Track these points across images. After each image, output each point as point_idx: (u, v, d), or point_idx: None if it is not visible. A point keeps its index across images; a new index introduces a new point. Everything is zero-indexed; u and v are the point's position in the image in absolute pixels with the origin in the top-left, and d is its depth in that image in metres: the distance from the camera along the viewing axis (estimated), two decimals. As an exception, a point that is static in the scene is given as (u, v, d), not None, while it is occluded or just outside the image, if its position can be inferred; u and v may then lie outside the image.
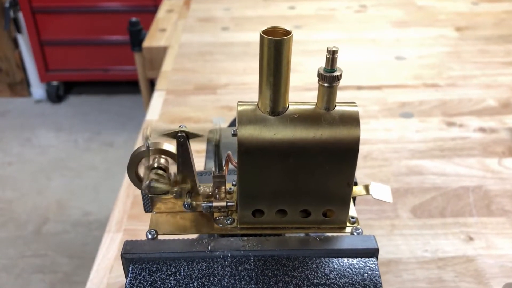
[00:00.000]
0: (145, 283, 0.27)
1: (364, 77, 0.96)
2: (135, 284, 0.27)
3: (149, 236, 0.30)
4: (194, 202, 0.30)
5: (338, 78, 0.26)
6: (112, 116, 2.40)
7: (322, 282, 0.27)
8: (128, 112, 2.44)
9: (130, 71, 2.42)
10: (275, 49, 0.25)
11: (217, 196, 0.30)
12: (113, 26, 2.32)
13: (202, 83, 0.95)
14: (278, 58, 0.25)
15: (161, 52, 1.10)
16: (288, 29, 0.26)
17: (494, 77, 0.95)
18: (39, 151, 2.19)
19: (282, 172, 0.28)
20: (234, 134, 0.28)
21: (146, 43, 1.12)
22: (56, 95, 2.40)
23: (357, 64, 1.01)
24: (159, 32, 1.17)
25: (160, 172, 0.30)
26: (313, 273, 0.27)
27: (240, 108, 0.27)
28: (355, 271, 0.27)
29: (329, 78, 0.26)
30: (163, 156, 0.31)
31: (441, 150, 0.75)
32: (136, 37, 1.23)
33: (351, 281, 0.27)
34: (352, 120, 0.27)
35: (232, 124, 0.53)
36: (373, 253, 0.28)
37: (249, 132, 0.27)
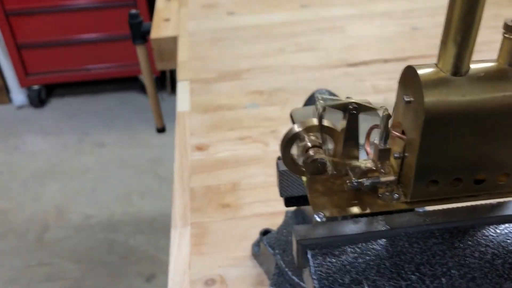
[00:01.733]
0: (333, 268, 0.26)
1: (386, 50, 0.95)
2: (323, 271, 0.25)
3: (318, 219, 0.28)
4: (360, 179, 0.28)
5: (526, 29, 0.25)
6: (99, 116, 2.33)
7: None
8: (115, 110, 2.38)
9: (112, 68, 2.36)
10: (469, 3, 0.24)
11: (382, 170, 0.29)
12: (90, 24, 2.25)
13: (224, 70, 0.92)
14: (473, 13, 0.24)
15: (171, 42, 1.07)
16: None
17: (513, 40, 0.95)
18: (29, 158, 2.11)
19: (466, 138, 0.26)
20: (408, 101, 0.26)
21: (153, 34, 1.08)
22: (38, 100, 2.31)
23: (375, 37, 1.00)
24: (163, 22, 1.14)
25: (320, 150, 0.28)
26: (507, 239, 0.26)
27: (420, 71, 0.26)
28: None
29: (518, 30, 0.25)
30: (312, 134, 0.29)
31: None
32: (137, 29, 1.19)
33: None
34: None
35: (307, 103, 0.51)
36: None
37: (436, 96, 0.25)
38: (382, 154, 0.28)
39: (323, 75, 0.87)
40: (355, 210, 0.28)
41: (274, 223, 0.58)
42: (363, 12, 1.11)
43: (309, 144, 0.28)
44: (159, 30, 1.10)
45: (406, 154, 0.28)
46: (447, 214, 0.28)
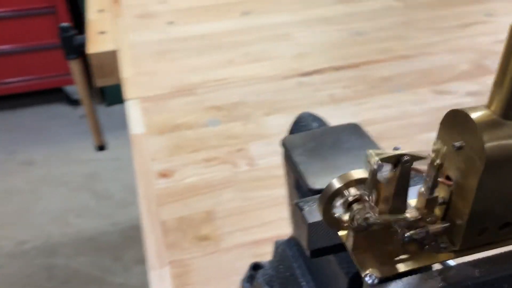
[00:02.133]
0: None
1: (335, 57, 0.94)
2: None
3: (369, 282, 0.25)
4: (411, 232, 0.26)
5: None
6: (24, 132, 2.18)
7: None
8: (42, 124, 2.23)
9: (33, 80, 2.21)
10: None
11: (428, 219, 0.27)
12: (5, 35, 2.09)
13: (175, 84, 0.87)
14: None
15: (111, 57, 1.00)
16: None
17: (455, 41, 0.98)
18: None
19: (521, 181, 0.25)
20: (459, 148, 0.24)
21: (91, 49, 1.01)
22: (-48, 119, 2.12)
23: (321, 44, 0.99)
24: (99, 36, 1.06)
25: (363, 204, 0.25)
26: None
27: (473, 116, 0.24)
28: None
29: None
30: (352, 187, 0.26)
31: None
32: (70, 44, 1.11)
33: None
34: None
35: (295, 128, 0.49)
36: None
37: (495, 140, 0.23)
38: (430, 203, 0.26)
39: (279, 86, 0.85)
40: (405, 266, 0.26)
41: (259, 253, 0.55)
42: (304, 18, 1.10)
43: (350, 199, 0.26)
44: (96, 44, 1.03)
45: (452, 200, 0.26)
46: (498, 261, 0.26)
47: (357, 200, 0.26)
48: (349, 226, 0.26)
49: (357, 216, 0.25)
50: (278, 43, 0.99)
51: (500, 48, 0.79)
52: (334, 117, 0.77)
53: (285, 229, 0.58)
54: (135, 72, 0.91)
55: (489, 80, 0.84)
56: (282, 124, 0.76)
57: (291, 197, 0.47)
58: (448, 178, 0.26)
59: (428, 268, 0.27)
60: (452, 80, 0.86)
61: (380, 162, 0.24)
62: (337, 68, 0.91)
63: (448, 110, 0.79)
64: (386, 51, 0.96)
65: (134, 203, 1.87)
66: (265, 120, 0.77)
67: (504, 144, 0.24)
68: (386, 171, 0.24)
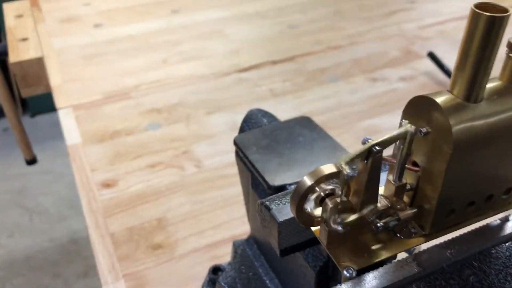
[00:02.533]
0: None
1: (271, 51, 0.94)
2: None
3: (348, 275, 0.25)
4: (382, 221, 0.26)
5: (533, 48, 0.25)
6: None
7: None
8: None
9: None
10: (490, 27, 0.22)
11: (398, 207, 0.27)
12: None
13: (108, 89, 0.84)
14: (495, 38, 0.23)
15: (35, 65, 0.94)
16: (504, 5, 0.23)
17: (382, 29, 1.01)
18: None
19: (486, 161, 0.25)
20: (426, 133, 0.25)
21: (12, 58, 0.94)
22: None
23: (256, 39, 0.99)
24: (20, 43, 1.00)
25: (337, 199, 0.25)
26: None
27: (438, 99, 0.24)
28: None
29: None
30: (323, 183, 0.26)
31: (381, 105, 0.78)
32: (-12, 52, 1.04)
33: None
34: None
35: (245, 126, 0.48)
36: None
37: (461, 123, 0.24)
38: (399, 190, 0.26)
39: (218, 84, 0.84)
40: (379, 255, 0.26)
41: (216, 256, 0.54)
42: (237, 14, 1.09)
43: (322, 194, 0.25)
44: (18, 52, 0.96)
45: (420, 186, 0.26)
46: (467, 240, 0.27)
47: (329, 195, 0.26)
48: (322, 221, 0.26)
49: (331, 211, 0.25)
50: (212, 40, 0.98)
51: (426, 33, 0.83)
52: (276, 112, 0.77)
53: (239, 229, 0.57)
54: (64, 80, 0.86)
55: (418, 65, 0.88)
56: (225, 122, 0.75)
57: (247, 196, 0.47)
58: (414, 164, 0.26)
59: (394, 256, 0.27)
60: (384, 67, 0.89)
61: (351, 167, 0.23)
62: (274, 62, 0.91)
63: (383, 96, 0.80)
64: (319, 42, 0.97)
65: (70, 216, 1.79)
66: (207, 120, 0.75)
67: (470, 126, 0.24)
68: (357, 168, 0.24)
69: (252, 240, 0.47)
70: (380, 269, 0.26)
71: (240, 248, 0.48)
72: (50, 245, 1.70)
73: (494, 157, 0.26)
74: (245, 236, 0.56)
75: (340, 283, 0.32)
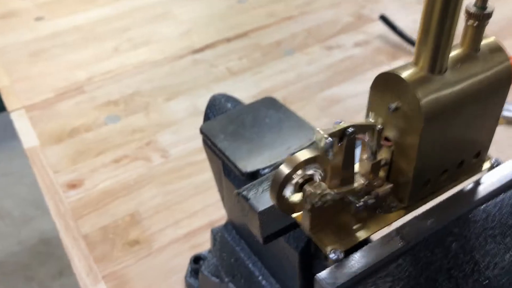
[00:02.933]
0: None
1: (223, 28, 0.93)
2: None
3: (335, 257, 0.25)
4: (361, 199, 0.26)
5: (489, 16, 0.25)
6: None
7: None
8: None
9: None
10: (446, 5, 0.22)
11: (375, 184, 0.27)
12: None
13: (60, 86, 0.81)
14: (454, 7, 0.22)
15: (-23, 66, 0.90)
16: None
17: (332, -5, 1.01)
18: None
19: (455, 129, 0.26)
20: (396, 109, 0.25)
21: (-49, 62, 0.89)
22: None
23: (206, 17, 0.97)
24: (-42, 44, 0.95)
25: (315, 183, 0.25)
26: (503, 213, 0.27)
27: (403, 74, 0.24)
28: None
29: (481, 16, 0.25)
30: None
31: (340, 74, 0.79)
32: None
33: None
34: (499, 50, 0.26)
35: (209, 113, 0.47)
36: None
37: (429, 95, 0.24)
38: (375, 168, 0.26)
39: (173, 68, 0.82)
40: (362, 234, 0.26)
41: (195, 244, 0.54)
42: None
43: (300, 181, 0.25)
44: (-43, 55, 0.91)
45: (394, 160, 0.27)
46: (444, 208, 0.28)
47: (308, 180, 0.26)
48: (303, 207, 0.26)
49: (312, 196, 0.24)
50: (161, 23, 0.95)
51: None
52: (237, 91, 0.76)
53: (215, 215, 0.57)
54: (12, 80, 0.83)
55: (371, 29, 0.88)
56: (186, 107, 0.74)
57: (220, 183, 0.46)
58: (386, 139, 0.26)
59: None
60: (338, 34, 0.89)
61: (329, 139, 0.23)
62: (228, 40, 0.89)
63: (340, 63, 0.80)
64: (270, 15, 0.96)
65: (36, 217, 1.74)
66: (167, 107, 0.74)
67: (438, 97, 0.24)
68: (332, 147, 0.24)
69: (230, 226, 0.47)
70: (366, 247, 0.26)
71: (219, 235, 0.47)
72: (19, 248, 1.66)
73: (463, 123, 0.26)
74: (222, 222, 0.56)
75: (323, 261, 0.32)
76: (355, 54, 0.83)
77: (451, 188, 0.29)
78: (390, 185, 0.27)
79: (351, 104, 0.72)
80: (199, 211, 0.57)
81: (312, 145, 0.37)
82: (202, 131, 0.43)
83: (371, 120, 0.26)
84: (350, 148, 0.24)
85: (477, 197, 0.28)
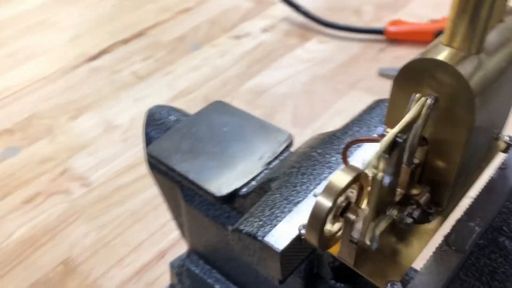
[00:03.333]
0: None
1: (117, 29, 0.84)
2: None
3: (394, 290, 0.21)
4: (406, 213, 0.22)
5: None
6: None
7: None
8: None
9: None
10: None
11: (414, 192, 0.23)
12: None
13: None
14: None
15: None
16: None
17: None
18: None
19: (493, 110, 0.22)
20: (436, 100, 0.20)
21: None
22: None
23: (93, 20, 0.87)
24: None
25: (357, 209, 0.20)
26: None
27: (441, 58, 0.20)
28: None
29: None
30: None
31: (256, 62, 0.74)
32: None
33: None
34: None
35: (150, 135, 0.39)
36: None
37: (477, 75, 0.20)
38: (413, 174, 0.22)
39: (69, 81, 0.72)
40: (413, 253, 0.22)
41: (150, 281, 0.47)
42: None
43: (340, 209, 0.20)
44: None
45: (429, 161, 0.23)
46: (482, 203, 0.24)
47: (347, 206, 0.21)
48: (345, 239, 0.21)
49: (362, 225, 0.20)
50: (41, 33, 0.83)
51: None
52: (150, 96, 0.69)
53: (163, 243, 0.50)
54: None
55: (274, 12, 0.85)
56: (96, 124, 0.65)
57: (176, 210, 0.40)
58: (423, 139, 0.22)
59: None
60: (242, 21, 0.84)
61: (386, 156, 0.18)
62: (124, 41, 0.81)
63: (254, 52, 0.74)
64: (164, 9, 0.88)
65: None
66: (75, 126, 0.64)
67: (484, 75, 0.21)
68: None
69: (195, 256, 0.41)
70: (422, 270, 0.22)
71: (184, 269, 0.41)
72: None
73: (499, 102, 0.23)
74: (175, 250, 0.49)
75: (329, 277, 0.28)
76: (265, 40, 0.79)
77: (478, 176, 0.26)
78: (428, 193, 0.23)
79: (278, 92, 0.68)
80: (143, 242, 0.50)
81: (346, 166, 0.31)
82: (150, 155, 0.36)
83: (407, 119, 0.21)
84: (399, 160, 0.20)
85: (509, 183, 0.25)
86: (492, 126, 0.24)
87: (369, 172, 0.19)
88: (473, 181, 0.26)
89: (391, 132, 0.19)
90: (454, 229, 0.23)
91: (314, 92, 0.68)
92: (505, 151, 0.27)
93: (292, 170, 0.29)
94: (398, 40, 0.77)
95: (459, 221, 0.24)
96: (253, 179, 0.32)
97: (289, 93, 0.68)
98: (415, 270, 0.22)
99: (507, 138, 0.28)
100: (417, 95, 0.21)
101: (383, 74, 0.70)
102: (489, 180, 0.26)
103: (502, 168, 0.26)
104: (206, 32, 0.82)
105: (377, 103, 0.33)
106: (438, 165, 0.23)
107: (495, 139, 0.26)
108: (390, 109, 0.23)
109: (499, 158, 0.27)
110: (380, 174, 0.19)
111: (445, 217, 0.24)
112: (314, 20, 0.81)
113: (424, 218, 0.24)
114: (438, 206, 0.24)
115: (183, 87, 0.70)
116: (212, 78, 0.71)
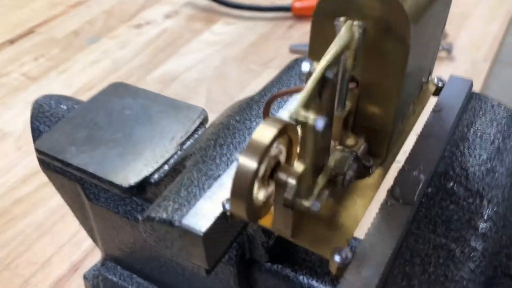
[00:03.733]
0: None
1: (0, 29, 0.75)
2: None
3: (342, 259, 0.17)
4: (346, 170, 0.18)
5: None
6: None
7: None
8: None
9: None
10: None
11: (347, 144, 0.19)
12: None
13: None
14: None
15: None
16: None
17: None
18: None
19: (425, 43, 0.20)
20: (364, 30, 0.17)
21: None
22: None
23: None
24: None
25: (286, 167, 0.16)
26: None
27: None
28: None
29: None
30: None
31: (161, 51, 0.69)
32: None
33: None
34: None
35: (38, 129, 0.33)
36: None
37: (410, 1, 0.17)
38: (346, 121, 0.19)
39: None
40: (357, 213, 0.19)
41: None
42: None
43: (269, 169, 0.16)
44: None
45: (361, 106, 0.19)
46: (421, 150, 0.22)
47: (276, 166, 0.17)
48: (276, 205, 0.17)
49: (296, 186, 0.16)
50: None
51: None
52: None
53: (75, 255, 0.44)
54: None
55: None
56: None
57: (82, 213, 0.34)
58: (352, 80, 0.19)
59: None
60: (142, 10, 0.79)
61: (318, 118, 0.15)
62: (11, 41, 0.72)
63: (158, 40, 0.69)
64: (54, 4, 0.81)
65: None
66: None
67: (417, 4, 0.18)
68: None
69: (110, 263, 0.36)
70: (371, 230, 0.19)
71: (100, 280, 0.36)
72: None
73: (431, 34, 0.20)
74: (88, 261, 0.43)
75: (264, 260, 0.24)
76: (169, 27, 0.74)
77: (414, 123, 0.23)
78: (365, 143, 0.20)
79: (189, 78, 0.64)
80: (52, 256, 0.44)
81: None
82: (39, 150, 0.30)
83: (329, 56, 0.18)
84: (331, 102, 0.16)
85: (447, 125, 0.23)
86: (422, 67, 0.22)
87: (300, 118, 0.15)
88: (409, 128, 0.23)
89: (319, 67, 0.16)
90: (398, 180, 0.21)
91: (227, 74, 0.64)
92: (436, 93, 0.25)
93: (209, 143, 0.25)
94: (306, 16, 0.75)
95: (401, 171, 0.21)
96: (165, 163, 0.28)
97: (201, 78, 0.64)
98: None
99: (437, 80, 0.25)
100: (342, 19, 0.17)
101: (294, 50, 0.68)
102: (426, 124, 0.23)
103: (437, 110, 0.24)
104: (103, 24, 0.76)
105: (295, 62, 0.30)
106: (373, 111, 0.20)
107: (425, 83, 0.24)
108: (310, 46, 0.19)
109: (432, 102, 0.25)
110: (311, 118, 0.15)
111: (386, 169, 0.21)
112: (218, 2, 0.77)
113: (364, 172, 0.21)
114: (377, 158, 0.21)
115: (82, 83, 0.63)
116: (114, 71, 0.65)
